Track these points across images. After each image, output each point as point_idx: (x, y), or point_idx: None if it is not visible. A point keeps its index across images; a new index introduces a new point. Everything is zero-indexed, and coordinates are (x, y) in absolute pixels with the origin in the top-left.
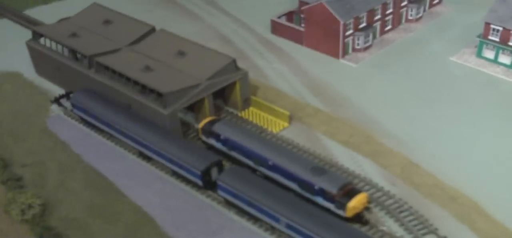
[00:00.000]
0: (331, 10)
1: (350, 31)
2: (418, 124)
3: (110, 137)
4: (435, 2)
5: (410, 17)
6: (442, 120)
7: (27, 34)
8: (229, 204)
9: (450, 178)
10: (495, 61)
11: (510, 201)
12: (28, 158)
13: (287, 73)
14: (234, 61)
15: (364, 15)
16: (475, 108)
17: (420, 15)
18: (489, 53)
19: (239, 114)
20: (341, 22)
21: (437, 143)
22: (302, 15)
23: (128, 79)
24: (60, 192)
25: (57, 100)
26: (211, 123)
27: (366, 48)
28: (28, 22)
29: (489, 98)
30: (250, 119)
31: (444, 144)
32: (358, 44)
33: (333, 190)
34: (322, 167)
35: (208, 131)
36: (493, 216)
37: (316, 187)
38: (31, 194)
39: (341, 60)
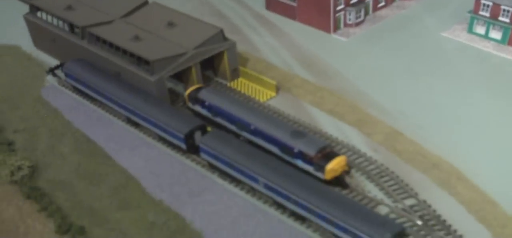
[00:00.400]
0: None
1: (341, 6)
2: (405, 95)
3: (101, 104)
4: None
5: None
6: (430, 92)
7: (26, 8)
8: (211, 167)
9: (433, 147)
10: (486, 36)
11: (491, 169)
12: (20, 124)
13: (279, 47)
14: (221, 31)
15: None
16: (464, 82)
17: None
18: (480, 29)
19: (228, 84)
20: None
21: (424, 113)
22: None
23: (117, 48)
24: (49, 155)
25: (51, 71)
26: (197, 90)
27: (358, 24)
28: None
29: (478, 72)
30: (239, 88)
31: (431, 114)
32: (349, 20)
33: (311, 152)
34: (302, 131)
35: (193, 97)
36: (473, 182)
37: (295, 150)
38: (21, 157)
39: (333, 35)
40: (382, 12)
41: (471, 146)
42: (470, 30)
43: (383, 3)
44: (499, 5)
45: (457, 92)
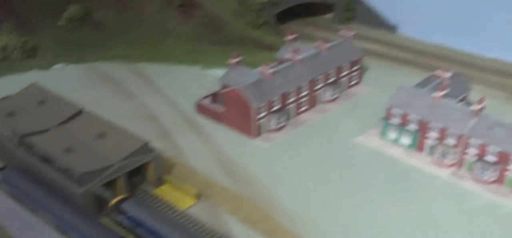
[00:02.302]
0: (244, 95)
1: (263, 114)
2: (316, 202)
3: (34, 211)
4: (353, 83)
5: (326, 98)
6: (339, 198)
7: None
8: None
9: None
10: (397, 142)
11: None
12: None
13: (204, 152)
14: (146, 144)
15: (277, 98)
16: (372, 188)
17: (335, 96)
18: (392, 135)
19: (153, 191)
20: (253, 106)
21: (331, 220)
22: None
23: (49, 159)
24: None
25: None
26: (122, 200)
27: (279, 129)
28: None
29: (388, 178)
30: (162, 196)
31: (338, 221)
32: (271, 125)
33: None
34: None
35: (118, 208)
36: None
37: None
38: None
39: (255, 140)
40: (304, 116)
41: None
42: (383, 135)
43: (305, 107)
44: (407, 115)
45: (365, 199)
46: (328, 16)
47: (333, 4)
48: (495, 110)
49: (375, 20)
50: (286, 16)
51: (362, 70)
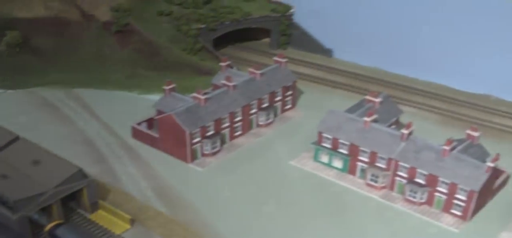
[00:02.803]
0: (178, 121)
1: (198, 139)
2: (249, 225)
3: None
4: (287, 107)
5: (260, 123)
6: (273, 221)
7: None
8: None
9: None
10: (329, 165)
11: None
12: None
13: (139, 177)
14: (80, 170)
15: (211, 124)
16: (307, 210)
17: (270, 120)
18: (324, 158)
19: (89, 216)
20: (187, 132)
21: None
22: None
23: None
24: None
25: None
26: (57, 226)
27: (214, 153)
28: None
29: (320, 200)
30: (97, 221)
31: None
32: (206, 150)
33: None
34: None
35: (52, 234)
36: None
37: None
38: None
39: (190, 165)
40: (239, 140)
41: None
42: (315, 159)
43: (240, 132)
44: (338, 139)
45: (298, 221)
46: (266, 40)
47: (270, 29)
48: (428, 133)
49: (311, 45)
50: (224, 41)
51: (296, 95)
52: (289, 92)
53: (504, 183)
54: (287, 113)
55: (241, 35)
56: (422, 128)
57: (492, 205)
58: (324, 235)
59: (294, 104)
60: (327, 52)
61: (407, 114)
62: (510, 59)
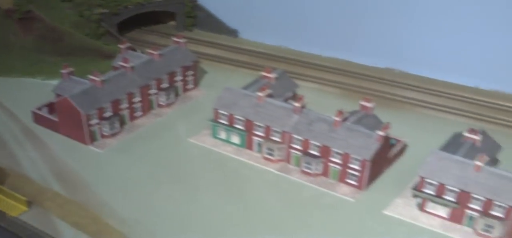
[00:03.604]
0: (74, 104)
1: (95, 121)
2: (147, 203)
3: None
4: (189, 87)
5: (161, 103)
6: (171, 198)
7: None
8: None
9: None
10: (227, 141)
11: None
12: None
13: (40, 160)
14: None
15: (108, 105)
16: (205, 186)
17: (171, 100)
18: (223, 134)
19: None
20: (82, 114)
21: (162, 220)
22: None
23: None
24: None
25: None
26: None
27: (114, 134)
28: None
29: (219, 176)
30: None
31: (168, 220)
32: (105, 131)
33: None
34: None
35: None
36: None
37: None
38: None
39: (90, 147)
40: (140, 120)
41: None
42: (214, 135)
43: (140, 113)
44: (232, 115)
45: (196, 197)
46: (173, 23)
47: (175, 12)
48: (330, 107)
49: (217, 26)
50: (132, 25)
51: (198, 75)
52: (190, 72)
53: (401, 152)
54: (189, 93)
55: (148, 19)
56: (324, 103)
57: (388, 173)
58: (221, 209)
59: (196, 84)
60: (233, 33)
61: (310, 89)
62: (412, 33)
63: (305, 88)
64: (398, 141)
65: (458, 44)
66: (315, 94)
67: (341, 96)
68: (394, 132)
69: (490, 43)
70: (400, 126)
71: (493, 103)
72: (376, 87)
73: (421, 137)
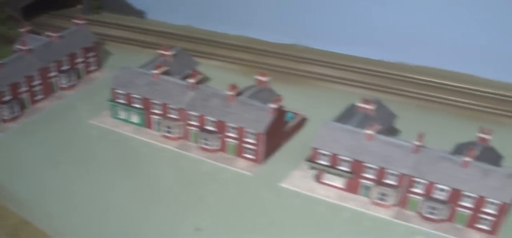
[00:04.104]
0: None
1: None
2: (46, 186)
3: None
4: (92, 69)
5: (62, 85)
6: (70, 180)
7: None
8: None
9: (61, 233)
10: (127, 121)
11: None
12: None
13: None
14: None
15: (6, 89)
16: (105, 166)
17: (72, 82)
18: (122, 114)
19: None
20: None
21: (59, 201)
22: None
23: None
24: None
25: None
26: None
27: (14, 118)
28: None
29: (118, 155)
30: None
31: (66, 202)
32: (4, 115)
33: None
34: None
35: None
36: None
37: None
38: None
39: None
40: (41, 103)
41: (98, 229)
42: (114, 116)
43: (41, 96)
44: (130, 94)
45: (96, 177)
46: (80, 7)
47: None
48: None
49: (124, 8)
50: (38, 9)
51: (104, 57)
52: (92, 54)
53: (300, 125)
54: (92, 75)
55: (56, 3)
56: (227, 80)
57: (287, 147)
58: (118, 188)
59: (99, 65)
60: (140, 14)
61: (214, 68)
62: (315, 8)
63: (209, 66)
64: (296, 114)
65: (363, 17)
66: (219, 72)
67: (243, 73)
68: (295, 106)
69: (392, 14)
70: (300, 99)
71: (394, 74)
72: (279, 63)
73: (320, 110)
